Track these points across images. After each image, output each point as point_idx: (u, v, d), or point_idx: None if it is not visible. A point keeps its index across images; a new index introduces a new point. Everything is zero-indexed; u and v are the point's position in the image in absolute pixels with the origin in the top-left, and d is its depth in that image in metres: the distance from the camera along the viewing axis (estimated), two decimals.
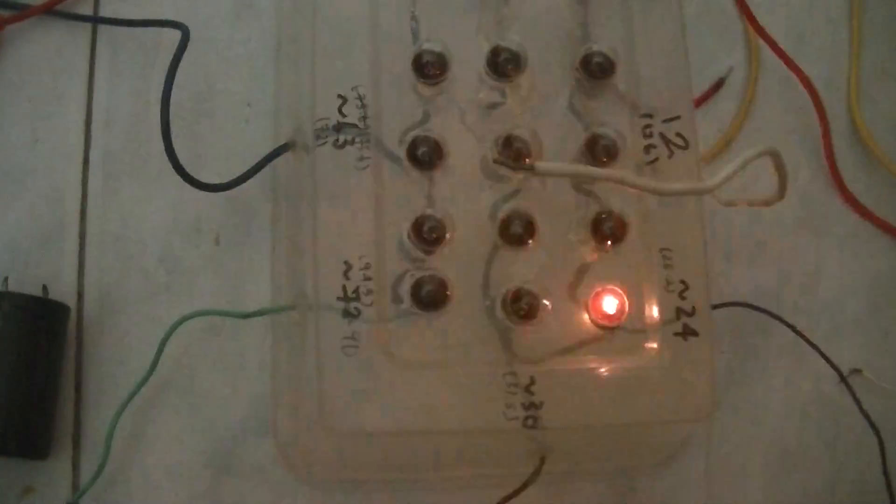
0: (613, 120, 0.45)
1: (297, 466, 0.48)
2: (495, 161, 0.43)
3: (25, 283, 0.48)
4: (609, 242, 0.44)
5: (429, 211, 0.43)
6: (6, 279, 0.47)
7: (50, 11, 0.51)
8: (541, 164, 0.41)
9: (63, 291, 0.49)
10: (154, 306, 0.49)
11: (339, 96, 0.43)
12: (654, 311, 0.44)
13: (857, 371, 0.53)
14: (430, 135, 0.43)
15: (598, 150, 0.44)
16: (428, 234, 0.42)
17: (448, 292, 0.42)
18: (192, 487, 0.49)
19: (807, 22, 0.58)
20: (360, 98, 0.43)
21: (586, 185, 0.44)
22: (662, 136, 0.45)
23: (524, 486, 0.45)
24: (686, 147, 0.45)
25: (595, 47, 0.45)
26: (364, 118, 0.43)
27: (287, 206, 0.49)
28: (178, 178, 0.46)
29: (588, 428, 0.45)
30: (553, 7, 0.46)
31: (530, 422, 0.42)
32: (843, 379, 0.52)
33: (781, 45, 0.55)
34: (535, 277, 0.43)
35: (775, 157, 0.40)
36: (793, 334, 0.52)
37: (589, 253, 0.44)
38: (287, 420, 0.48)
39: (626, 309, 0.44)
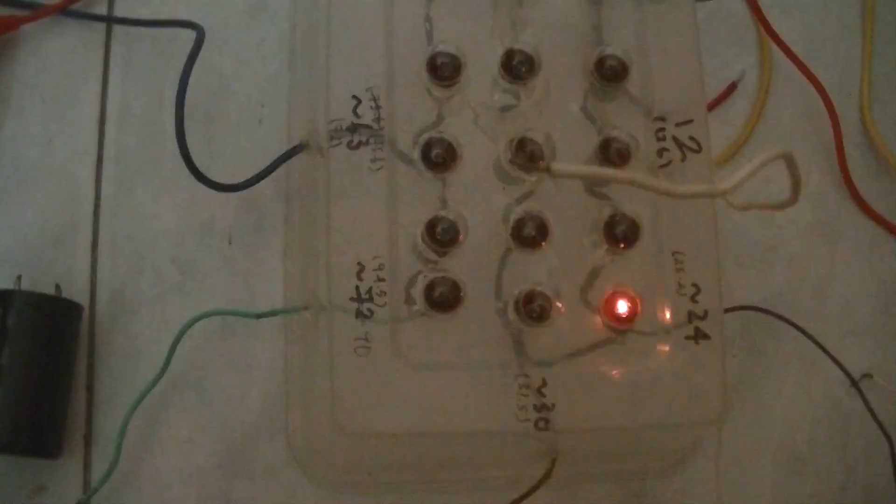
0: (626, 123, 0.45)
1: (309, 467, 0.48)
2: (512, 162, 0.43)
3: (38, 282, 0.48)
4: (621, 245, 0.44)
5: (442, 212, 0.43)
6: (19, 278, 0.47)
7: (64, 11, 0.52)
8: (557, 165, 0.41)
9: (76, 290, 0.49)
10: (166, 306, 0.50)
11: (354, 97, 0.43)
12: (665, 314, 0.44)
13: (868, 376, 0.53)
14: (443, 136, 0.43)
15: (612, 154, 0.44)
16: (441, 235, 0.42)
17: (461, 294, 0.42)
18: (203, 487, 0.49)
19: (820, 27, 0.58)
20: (375, 99, 0.43)
21: (599, 187, 0.45)
22: (675, 139, 0.45)
23: (535, 488, 0.45)
24: (699, 151, 0.45)
25: (609, 51, 0.45)
26: (378, 119, 0.43)
27: (300, 206, 0.49)
28: (191, 178, 0.46)
29: (599, 430, 0.45)
30: (567, 10, 0.46)
31: (542, 423, 0.42)
32: (854, 384, 0.52)
33: (794, 50, 0.55)
34: (548, 279, 0.43)
35: (789, 159, 0.40)
36: (804, 339, 0.52)
37: (601, 256, 0.44)
38: (299, 421, 0.48)
39: (638, 312, 0.44)
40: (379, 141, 0.43)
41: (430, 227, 0.43)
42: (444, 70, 0.44)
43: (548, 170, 0.41)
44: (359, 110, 0.43)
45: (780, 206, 0.45)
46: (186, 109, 0.45)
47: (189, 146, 0.45)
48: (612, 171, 0.43)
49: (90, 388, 0.49)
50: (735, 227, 0.53)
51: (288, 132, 0.50)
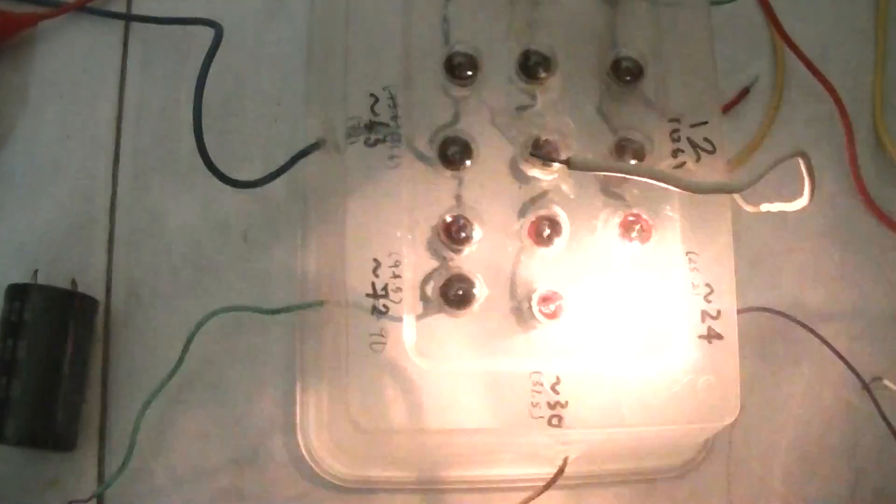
0: (641, 124, 0.46)
1: (322, 463, 0.49)
2: (532, 155, 0.43)
3: (55, 277, 0.48)
4: (636, 244, 0.44)
5: (458, 210, 0.43)
6: (36, 272, 0.48)
7: (83, 8, 0.52)
8: (576, 158, 0.41)
9: (92, 285, 0.49)
10: (181, 302, 0.50)
11: (371, 95, 0.43)
12: (679, 314, 0.44)
13: (879, 379, 0.53)
14: (460, 135, 0.44)
15: (627, 154, 0.45)
16: (456, 233, 0.43)
17: (475, 291, 0.43)
18: (216, 482, 0.49)
19: (833, 32, 0.58)
20: (392, 97, 0.43)
21: (614, 187, 0.45)
22: (690, 140, 0.45)
23: (546, 487, 0.45)
24: (713, 151, 0.45)
25: (624, 52, 0.46)
26: (395, 117, 0.43)
27: (316, 204, 0.49)
28: (207, 175, 0.46)
29: (611, 428, 0.45)
30: (583, 11, 0.46)
31: (555, 420, 0.43)
32: (865, 386, 0.52)
33: (808, 55, 0.55)
34: (562, 278, 0.44)
35: (805, 158, 0.40)
36: (816, 341, 0.52)
37: (615, 255, 0.45)
38: (312, 417, 0.48)
39: (652, 311, 0.44)
40: (396, 139, 0.43)
41: (446, 224, 0.43)
42: (460, 69, 0.44)
43: (567, 163, 0.41)
44: (376, 108, 0.43)
45: (795, 206, 0.45)
46: (203, 107, 0.45)
47: (206, 143, 0.45)
48: (629, 164, 0.44)
49: (105, 383, 0.49)
50: (748, 229, 0.53)
51: (304, 130, 0.51)
